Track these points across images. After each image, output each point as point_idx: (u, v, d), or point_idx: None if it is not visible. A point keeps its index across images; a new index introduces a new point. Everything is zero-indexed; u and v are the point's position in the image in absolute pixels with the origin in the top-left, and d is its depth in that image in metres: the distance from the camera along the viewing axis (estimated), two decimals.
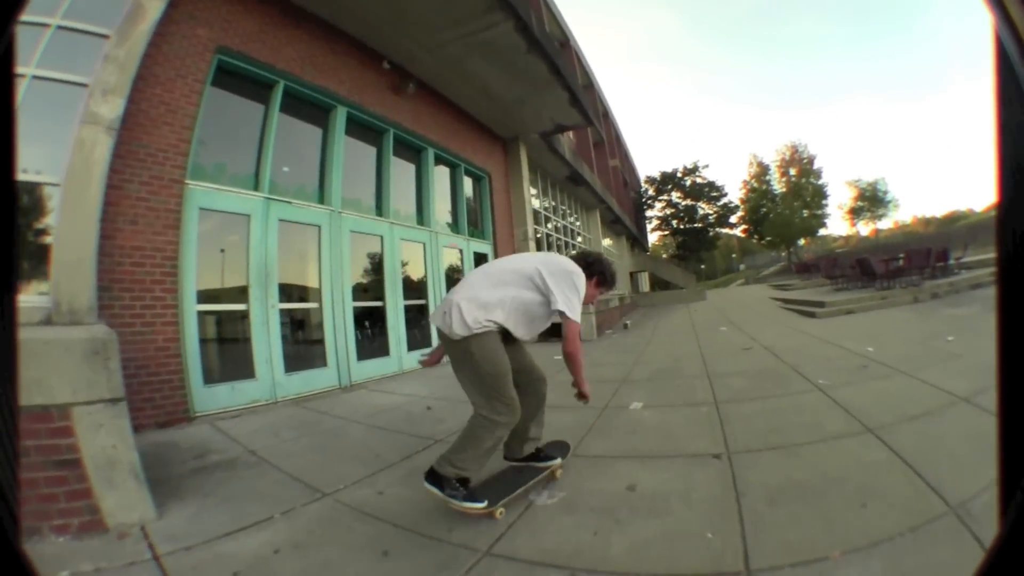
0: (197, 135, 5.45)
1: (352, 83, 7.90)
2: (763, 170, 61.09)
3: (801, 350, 6.94)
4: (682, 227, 54.94)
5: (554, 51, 9.55)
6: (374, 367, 7.72)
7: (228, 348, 5.89)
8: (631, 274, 34.01)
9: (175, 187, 5.14)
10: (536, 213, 15.21)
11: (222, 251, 5.94)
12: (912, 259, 14.01)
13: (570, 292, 2.76)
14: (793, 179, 58.47)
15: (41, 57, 4.15)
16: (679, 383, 5.67)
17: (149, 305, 4.84)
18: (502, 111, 11.44)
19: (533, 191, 15.40)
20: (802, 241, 60.16)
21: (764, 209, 58.11)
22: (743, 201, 59.44)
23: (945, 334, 6.48)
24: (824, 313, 11.38)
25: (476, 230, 11.89)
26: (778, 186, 59.76)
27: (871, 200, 60.92)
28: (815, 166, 58.65)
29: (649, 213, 54.89)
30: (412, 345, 8.66)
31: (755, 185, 60.47)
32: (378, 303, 8.29)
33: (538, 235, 15.05)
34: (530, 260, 2.92)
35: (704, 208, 54.99)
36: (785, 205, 56.46)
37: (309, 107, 7.36)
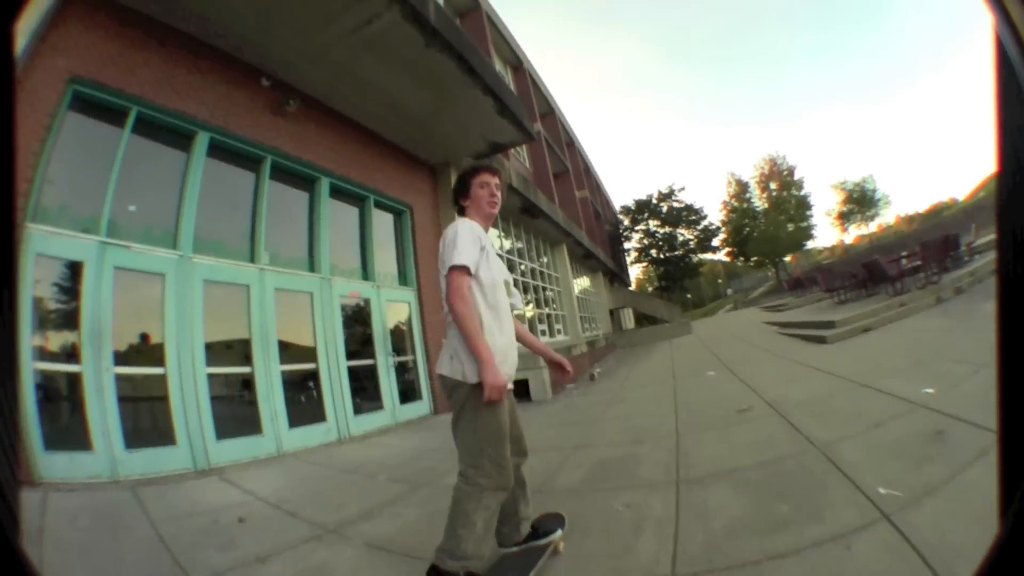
0: (43, 174, 5.05)
1: (216, 104, 6.81)
2: (742, 188, 60.16)
3: (824, 404, 4.84)
4: (662, 256, 53.28)
5: (463, 44, 7.63)
6: (238, 448, 6.23)
7: (68, 416, 5.17)
8: (611, 312, 32.25)
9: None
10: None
11: (56, 305, 5.26)
12: (928, 252, 11.90)
13: (447, 249, 2.42)
14: (774, 193, 57.37)
15: None
16: (622, 499, 3.42)
17: None
18: (419, 130, 9.57)
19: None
20: (788, 258, 58.79)
21: (747, 228, 56.63)
22: (724, 223, 58.01)
23: None
24: (836, 336, 9.29)
25: (395, 274, 9.98)
26: (759, 202, 58.60)
27: (860, 201, 59.87)
28: (796, 176, 57.72)
29: (627, 245, 53.20)
30: (297, 420, 6.91)
31: (735, 204, 59.22)
32: (245, 369, 6.66)
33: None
34: None
35: (684, 234, 53.36)
36: (769, 221, 55.00)
37: (167, 133, 6.42)
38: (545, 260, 19.51)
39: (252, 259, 7.01)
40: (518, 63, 20.66)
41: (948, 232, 13.20)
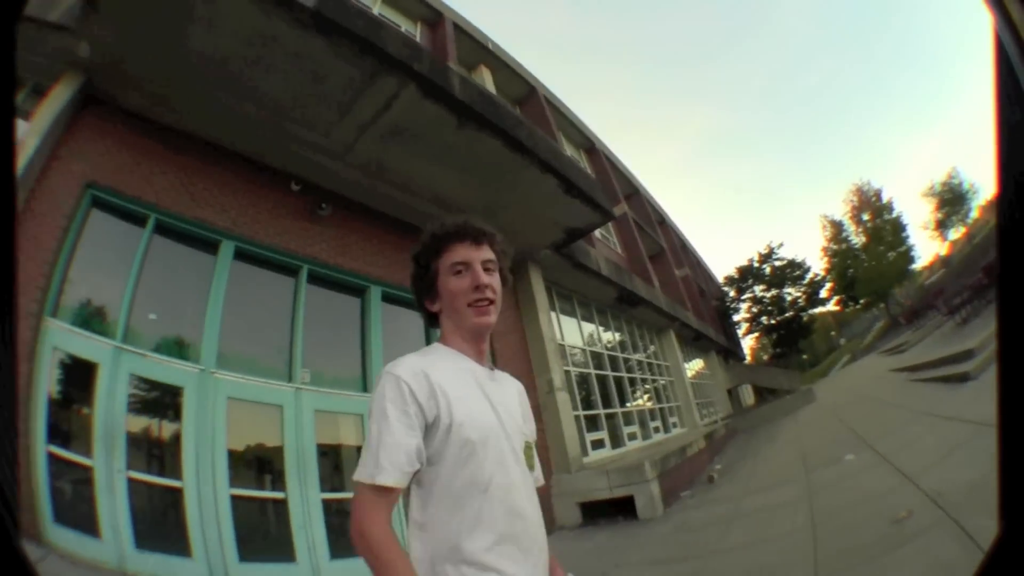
0: (62, 272, 5.25)
1: (241, 212, 6.51)
2: (837, 228, 55.90)
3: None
4: (773, 322, 50.06)
5: (503, 116, 6.94)
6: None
7: (77, 499, 5.03)
8: (729, 391, 29.99)
9: (30, 320, 4.93)
10: (569, 351, 11.94)
11: (71, 402, 5.27)
12: None
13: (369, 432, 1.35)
14: (868, 225, 52.91)
15: None
16: None
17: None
18: (505, 271, 8.71)
19: (568, 323, 12.51)
20: (895, 289, 53.17)
21: (851, 270, 52.21)
22: (827, 271, 53.99)
23: None
24: (979, 366, 7.72)
25: None
26: (856, 239, 54.22)
27: (952, 203, 54.54)
28: (884, 199, 53.28)
29: (736, 317, 50.72)
30: (341, 550, 6.03)
31: (834, 248, 54.90)
32: (278, 495, 5.98)
33: (578, 378, 11.87)
34: None
35: (791, 293, 50.56)
36: (870, 256, 50.54)
37: (189, 241, 6.25)
38: (652, 349, 18.16)
39: (289, 378, 6.37)
40: (590, 146, 19.86)
41: None
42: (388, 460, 1.25)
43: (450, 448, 1.31)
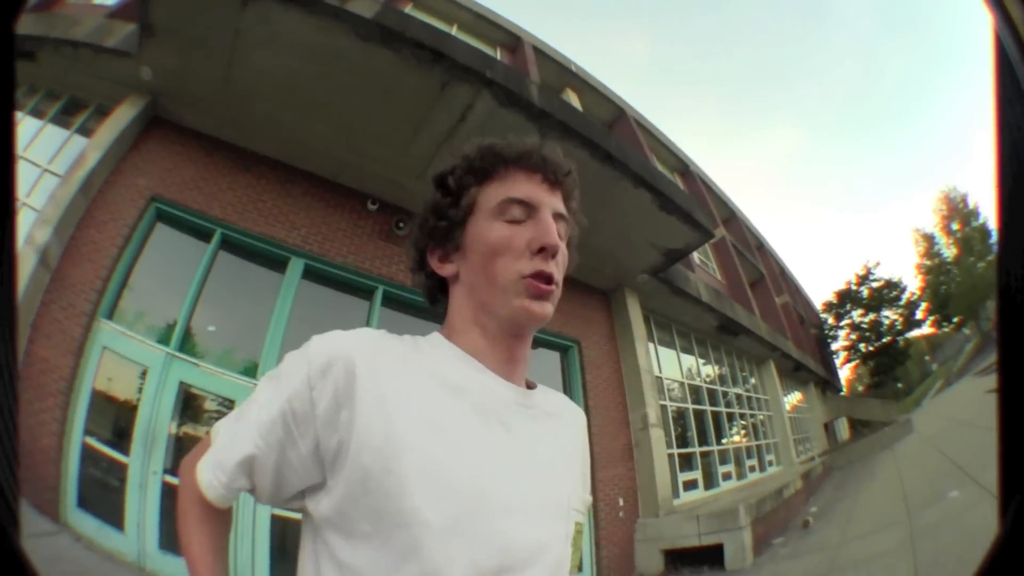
0: (122, 277, 5.70)
1: (311, 229, 6.53)
2: (929, 241, 51.39)
3: None
4: (871, 349, 47.03)
5: (587, 126, 6.46)
6: None
7: (106, 491, 5.36)
8: (825, 425, 28.10)
9: (82, 319, 5.37)
10: (666, 384, 11.30)
11: (114, 401, 5.70)
12: None
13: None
14: (958, 235, 48.35)
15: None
16: None
17: (40, 410, 5.02)
18: (572, 248, 8.17)
19: (666, 354, 11.86)
20: (988, 302, 48.69)
21: (943, 287, 48.29)
22: (922, 289, 50.12)
23: None
24: None
25: None
26: (948, 252, 49.86)
27: None
28: (970, 204, 48.49)
29: (834, 346, 48.00)
30: None
31: (927, 264, 50.70)
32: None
33: (674, 413, 11.24)
34: None
35: (888, 315, 47.64)
36: (961, 269, 46.54)
37: (256, 257, 6.41)
38: (752, 382, 17.11)
39: None
40: (684, 168, 18.78)
41: None
42: (214, 462, 0.81)
43: (375, 523, 0.71)
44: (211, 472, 0.80)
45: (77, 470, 5.13)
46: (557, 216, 0.87)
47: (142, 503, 5.26)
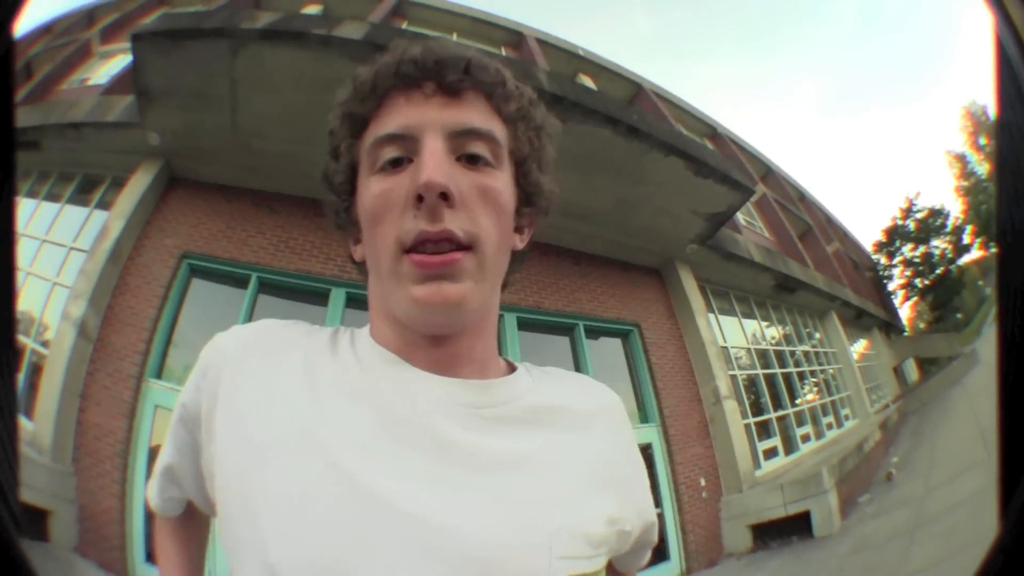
0: (163, 337, 5.87)
1: (346, 258, 5.71)
2: (963, 162, 49.19)
3: None
4: (927, 283, 46.05)
5: (603, 103, 6.27)
6: None
7: None
8: (894, 369, 27.29)
9: (130, 382, 5.56)
10: (733, 353, 11.01)
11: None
12: None
13: None
14: (988, 149, 46.14)
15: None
16: None
17: (99, 474, 5.33)
18: (614, 230, 7.93)
19: (728, 323, 11.60)
20: None
21: (983, 206, 45.38)
22: (965, 212, 48.37)
23: None
24: None
25: (632, 411, 8.20)
26: (980, 168, 47.83)
27: None
28: (991, 116, 46.72)
29: (891, 286, 46.95)
30: None
31: (965, 184, 48.32)
32: None
33: (745, 381, 10.95)
34: None
35: (938, 245, 46.10)
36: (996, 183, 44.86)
37: (296, 295, 6.53)
38: (818, 337, 16.78)
39: None
40: (712, 132, 18.26)
41: None
42: (153, 474, 0.77)
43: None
44: (151, 485, 0.76)
45: (143, 527, 5.32)
46: (459, 135, 0.59)
47: (212, 558, 5.24)
